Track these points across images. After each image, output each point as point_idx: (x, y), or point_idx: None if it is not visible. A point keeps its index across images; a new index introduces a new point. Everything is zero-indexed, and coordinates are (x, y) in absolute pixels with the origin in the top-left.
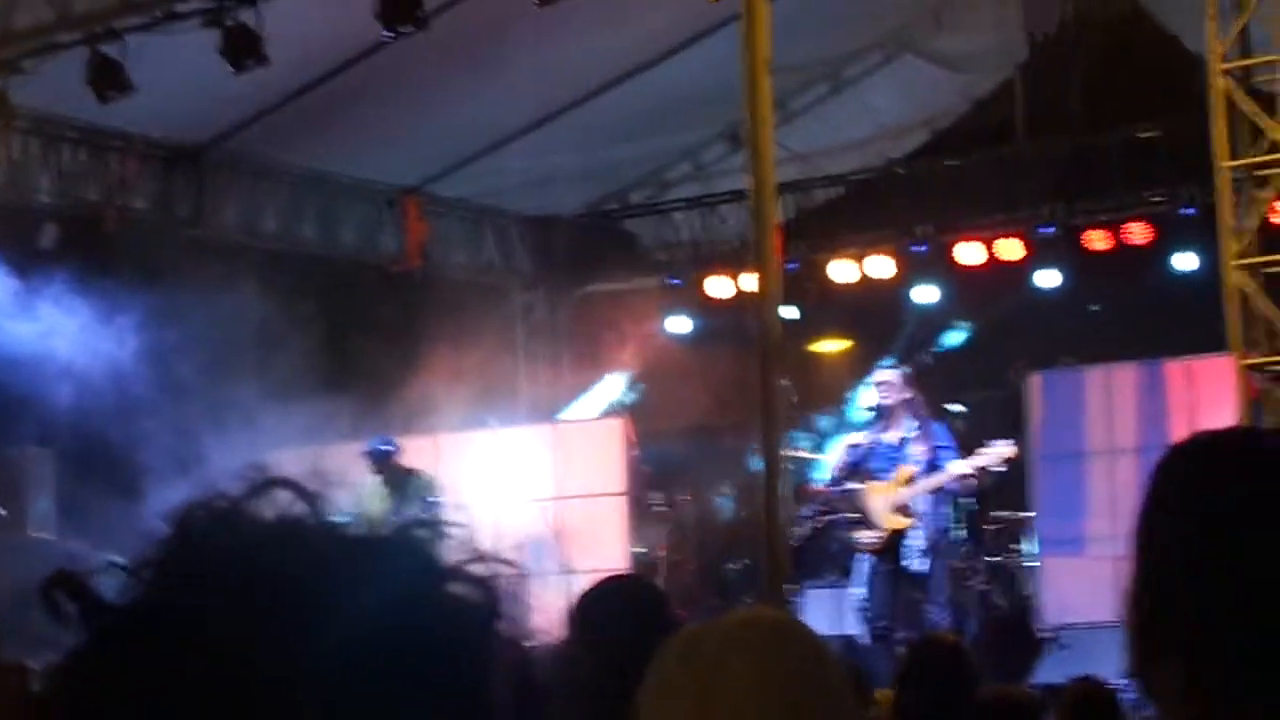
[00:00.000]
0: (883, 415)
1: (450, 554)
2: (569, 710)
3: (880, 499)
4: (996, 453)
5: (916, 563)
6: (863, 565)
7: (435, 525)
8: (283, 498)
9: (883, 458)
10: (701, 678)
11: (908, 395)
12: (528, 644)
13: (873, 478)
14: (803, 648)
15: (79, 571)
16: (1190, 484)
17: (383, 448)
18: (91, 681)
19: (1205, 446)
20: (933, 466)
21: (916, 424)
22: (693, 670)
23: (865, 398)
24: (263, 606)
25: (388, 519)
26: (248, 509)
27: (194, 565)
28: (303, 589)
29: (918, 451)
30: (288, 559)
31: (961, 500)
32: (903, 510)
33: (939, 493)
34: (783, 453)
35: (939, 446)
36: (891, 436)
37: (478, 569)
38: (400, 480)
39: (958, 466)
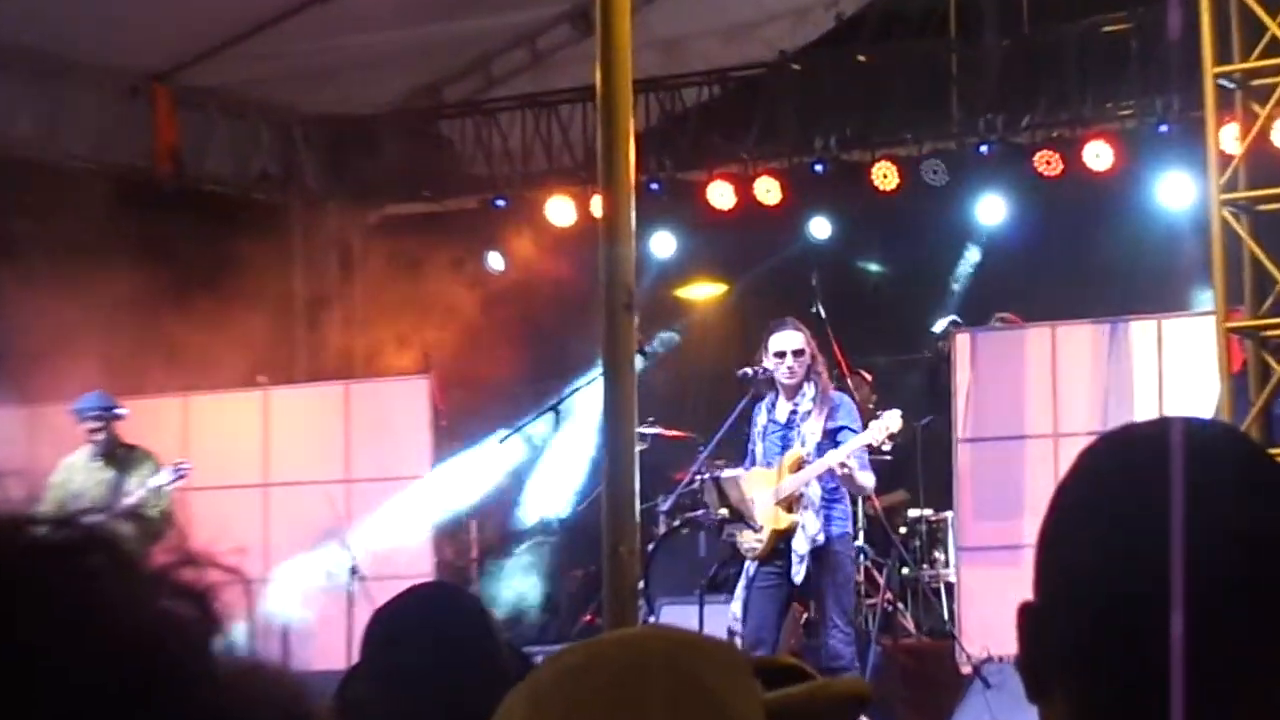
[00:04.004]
0: (771, 383)
1: (158, 556)
2: None
3: (761, 491)
4: (881, 426)
5: (796, 572)
6: (745, 574)
7: (150, 519)
8: None
9: (770, 438)
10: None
11: (806, 357)
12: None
13: (756, 463)
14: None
15: None
16: (1080, 491)
17: (99, 408)
18: None
19: (1118, 442)
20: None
21: (814, 394)
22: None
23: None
24: None
25: (101, 502)
26: None
27: None
28: None
29: (813, 430)
30: None
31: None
32: (787, 505)
33: (834, 484)
34: (636, 429)
35: (841, 427)
36: (781, 411)
37: (190, 575)
38: (120, 456)
39: (834, 456)
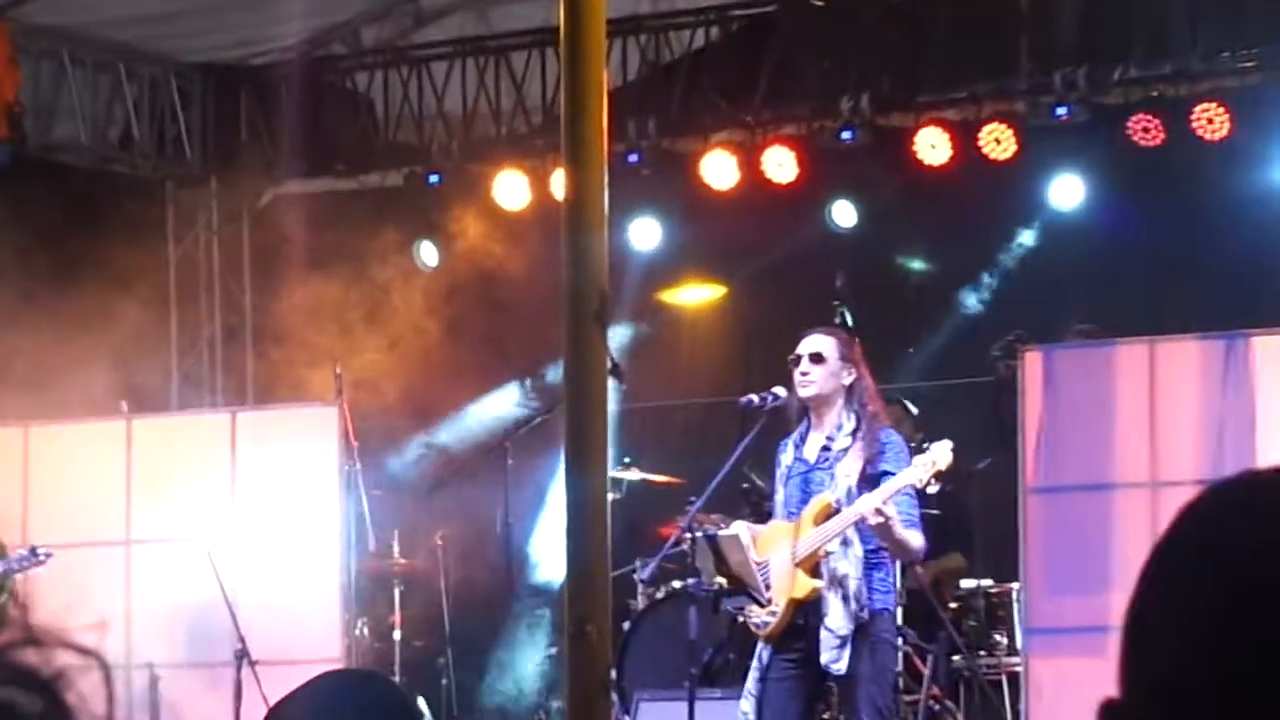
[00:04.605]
0: (803, 410)
1: None
2: None
3: (778, 551)
4: (926, 461)
5: (836, 658)
6: (758, 660)
7: None
8: None
9: (797, 480)
10: None
11: (847, 378)
12: None
13: (776, 515)
14: None
15: None
16: (1180, 559)
17: None
18: None
19: (1232, 496)
20: None
21: (853, 428)
22: None
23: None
24: None
25: None
26: None
27: None
28: None
29: (848, 472)
30: None
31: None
32: (810, 567)
33: (875, 544)
34: (610, 474)
35: (886, 472)
36: (811, 448)
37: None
38: None
39: (868, 501)
